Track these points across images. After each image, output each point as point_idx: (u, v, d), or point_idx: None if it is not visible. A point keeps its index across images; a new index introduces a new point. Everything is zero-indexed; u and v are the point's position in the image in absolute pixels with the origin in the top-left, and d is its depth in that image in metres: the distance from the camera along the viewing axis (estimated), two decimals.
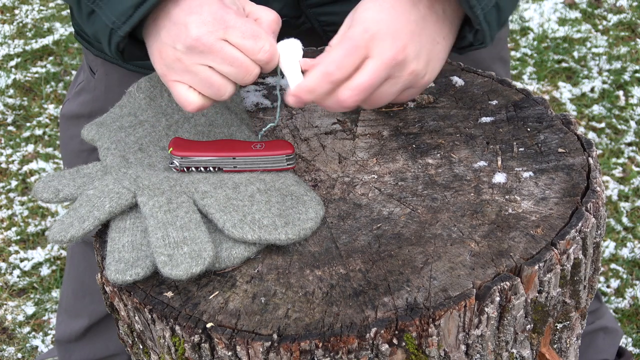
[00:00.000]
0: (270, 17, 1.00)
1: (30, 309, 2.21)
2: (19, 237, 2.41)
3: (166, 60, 0.98)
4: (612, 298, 2.15)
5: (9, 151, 2.71)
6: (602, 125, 2.68)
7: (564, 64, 2.97)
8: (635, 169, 2.52)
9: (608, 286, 2.18)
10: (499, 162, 1.04)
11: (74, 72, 3.03)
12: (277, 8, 1.24)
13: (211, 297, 0.90)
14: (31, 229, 2.42)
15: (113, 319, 1.03)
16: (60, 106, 2.88)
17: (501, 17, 1.04)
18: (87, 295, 1.62)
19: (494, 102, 1.13)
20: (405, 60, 0.97)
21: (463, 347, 0.90)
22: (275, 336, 0.85)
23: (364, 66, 0.96)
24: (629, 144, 2.61)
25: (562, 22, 3.18)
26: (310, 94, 0.96)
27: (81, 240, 1.17)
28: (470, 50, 1.07)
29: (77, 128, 1.12)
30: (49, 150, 2.70)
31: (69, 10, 3.44)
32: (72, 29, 3.31)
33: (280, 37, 1.01)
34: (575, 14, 3.22)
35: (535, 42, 3.09)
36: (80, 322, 1.64)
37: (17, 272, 2.31)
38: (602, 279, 2.19)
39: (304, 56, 1.00)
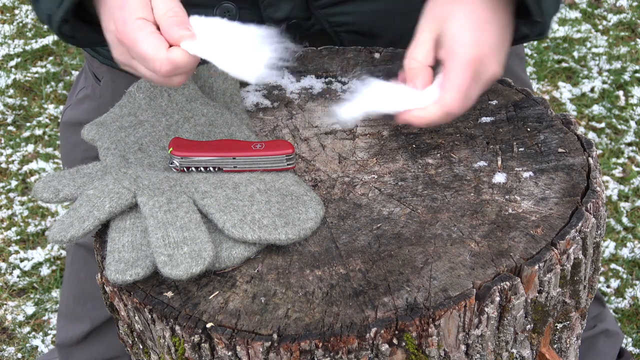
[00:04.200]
0: (162, 10, 0.97)
1: (30, 309, 2.21)
2: (19, 237, 2.40)
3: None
4: (612, 298, 2.15)
5: (9, 151, 2.71)
6: (602, 125, 2.68)
7: (564, 64, 2.97)
8: (635, 169, 2.52)
9: (608, 286, 2.18)
10: (499, 162, 1.04)
11: (74, 72, 3.03)
12: (287, 10, 1.24)
13: (211, 297, 0.90)
14: (31, 229, 2.42)
15: (114, 323, 1.03)
16: (61, 107, 2.88)
17: (558, 6, 1.04)
18: (89, 301, 1.61)
19: (494, 102, 1.13)
20: (496, 72, 0.99)
21: (463, 347, 0.90)
22: (275, 336, 0.85)
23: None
24: (629, 144, 2.61)
25: (562, 22, 3.18)
26: (428, 124, 0.98)
27: (81, 241, 1.17)
28: (527, 42, 1.06)
29: (80, 136, 1.12)
30: (49, 150, 2.70)
31: None
32: None
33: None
34: (575, 14, 3.22)
35: (535, 42, 3.09)
36: (81, 327, 1.64)
37: (17, 272, 2.31)
38: (602, 279, 2.19)
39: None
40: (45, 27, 3.28)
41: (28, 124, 2.82)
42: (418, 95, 0.98)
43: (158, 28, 0.96)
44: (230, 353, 0.87)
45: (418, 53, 0.99)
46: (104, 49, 1.35)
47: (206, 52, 0.95)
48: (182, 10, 0.97)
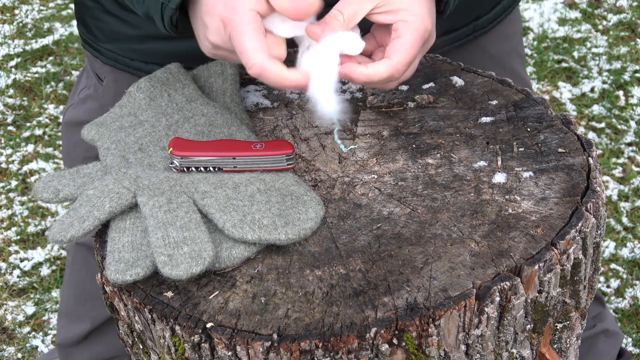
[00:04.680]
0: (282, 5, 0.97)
1: (30, 309, 2.21)
2: (19, 237, 2.41)
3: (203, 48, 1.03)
4: (612, 298, 2.15)
5: (9, 151, 2.71)
6: (602, 125, 2.68)
7: (564, 64, 2.97)
8: (635, 169, 2.52)
9: (608, 286, 2.18)
10: (499, 162, 1.04)
11: (74, 72, 3.03)
12: None
13: (211, 297, 0.90)
14: (31, 229, 2.42)
15: (114, 323, 1.03)
16: (62, 107, 2.88)
17: None
18: (89, 301, 1.61)
19: (494, 102, 1.13)
20: (433, 34, 1.04)
21: (463, 347, 0.90)
22: (275, 336, 0.85)
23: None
24: (629, 144, 2.61)
25: (562, 22, 3.18)
26: (369, 82, 0.99)
27: (81, 241, 1.17)
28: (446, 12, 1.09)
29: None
30: (49, 150, 2.70)
31: (69, 11, 3.44)
32: (72, 29, 3.30)
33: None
34: (575, 14, 3.22)
35: (535, 42, 3.09)
36: (82, 326, 1.64)
37: (17, 272, 2.31)
38: (602, 279, 2.19)
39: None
40: (46, 27, 3.28)
41: (28, 124, 2.82)
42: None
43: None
44: (230, 353, 0.87)
45: (343, 9, 0.99)
46: (107, 50, 1.35)
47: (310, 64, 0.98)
48: None
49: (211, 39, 1.00)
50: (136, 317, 0.94)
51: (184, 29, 1.06)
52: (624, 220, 2.35)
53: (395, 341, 0.86)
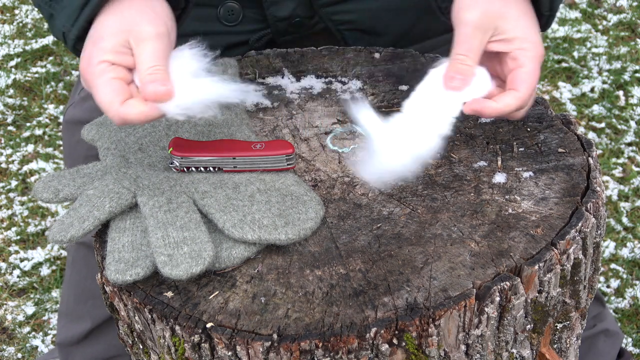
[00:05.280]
0: (146, 64, 0.95)
1: (30, 309, 2.21)
2: (19, 237, 2.40)
3: None
4: (612, 298, 2.15)
5: (9, 151, 2.71)
6: (602, 125, 2.68)
7: (564, 64, 2.96)
8: (635, 169, 2.52)
9: (608, 286, 2.18)
10: (499, 162, 1.04)
11: (74, 72, 3.03)
12: (290, 8, 1.25)
13: (211, 297, 0.90)
14: (31, 229, 2.42)
15: (114, 322, 1.03)
16: (62, 107, 2.88)
17: (561, 1, 1.07)
18: (89, 300, 1.61)
19: None
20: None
21: (463, 347, 0.90)
22: (275, 336, 0.85)
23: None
24: (629, 144, 2.61)
25: (562, 22, 3.18)
26: (499, 114, 0.99)
27: (81, 241, 1.17)
28: None
29: None
30: (49, 150, 2.70)
31: None
32: None
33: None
34: (575, 14, 3.22)
35: None
36: (82, 326, 1.64)
37: (17, 272, 2.31)
38: (602, 279, 2.19)
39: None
40: (46, 27, 3.28)
41: (28, 124, 2.82)
42: (468, 91, 0.98)
43: (130, 69, 0.95)
44: (230, 353, 0.87)
45: (468, 52, 0.99)
46: None
47: (175, 109, 0.95)
48: (164, 67, 0.95)
49: (82, 83, 0.99)
50: (136, 317, 0.94)
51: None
52: (624, 220, 2.35)
53: (395, 341, 0.86)
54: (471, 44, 0.98)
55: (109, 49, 0.95)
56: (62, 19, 1.00)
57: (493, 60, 1.01)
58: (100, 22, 0.97)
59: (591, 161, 1.02)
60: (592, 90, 2.84)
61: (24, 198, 2.53)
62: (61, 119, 2.82)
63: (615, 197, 2.42)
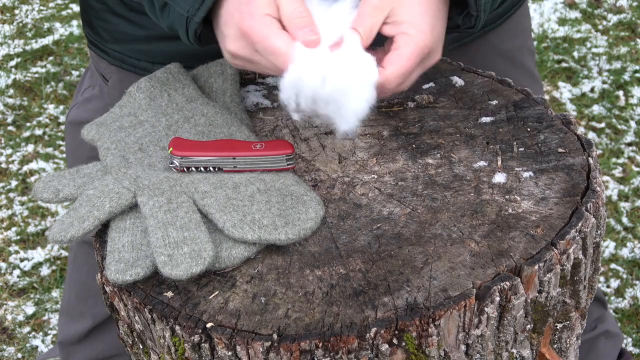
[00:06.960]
0: (289, 10, 0.98)
1: (30, 309, 2.21)
2: (19, 237, 2.41)
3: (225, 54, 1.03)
4: (612, 298, 2.15)
5: (9, 151, 2.71)
6: (602, 125, 2.68)
7: (563, 64, 2.97)
8: (635, 169, 2.52)
9: (608, 286, 2.18)
10: (499, 162, 1.04)
11: (74, 72, 3.03)
12: None
13: (211, 297, 0.90)
14: (31, 229, 2.42)
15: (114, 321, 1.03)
16: (62, 107, 2.88)
17: (494, 4, 1.07)
18: (90, 298, 1.61)
19: (494, 102, 1.13)
20: (437, 60, 1.03)
21: (463, 347, 0.90)
22: (275, 336, 0.85)
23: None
24: (629, 144, 2.61)
25: (562, 22, 3.18)
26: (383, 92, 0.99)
27: (82, 240, 1.17)
28: (455, 32, 1.09)
29: None
30: (49, 150, 2.70)
31: (69, 11, 3.44)
32: (72, 29, 3.30)
33: None
34: (575, 14, 3.22)
35: (535, 42, 3.09)
36: (83, 324, 1.64)
37: (17, 272, 2.31)
38: (602, 279, 2.19)
39: None
40: (46, 27, 3.28)
41: (28, 124, 2.82)
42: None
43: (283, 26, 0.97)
44: (230, 353, 0.87)
45: (359, 27, 0.99)
46: (113, 51, 1.35)
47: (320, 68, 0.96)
48: (307, 11, 0.98)
49: (229, 47, 1.01)
50: (136, 317, 0.94)
51: (207, 41, 1.07)
52: (624, 220, 2.35)
53: (395, 341, 0.86)
54: (365, 22, 0.99)
55: (265, 3, 0.97)
56: (183, 5, 1.02)
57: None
58: None
59: (591, 161, 1.02)
60: (592, 90, 2.84)
61: (24, 198, 2.53)
62: (61, 119, 2.82)
63: (615, 197, 2.43)
